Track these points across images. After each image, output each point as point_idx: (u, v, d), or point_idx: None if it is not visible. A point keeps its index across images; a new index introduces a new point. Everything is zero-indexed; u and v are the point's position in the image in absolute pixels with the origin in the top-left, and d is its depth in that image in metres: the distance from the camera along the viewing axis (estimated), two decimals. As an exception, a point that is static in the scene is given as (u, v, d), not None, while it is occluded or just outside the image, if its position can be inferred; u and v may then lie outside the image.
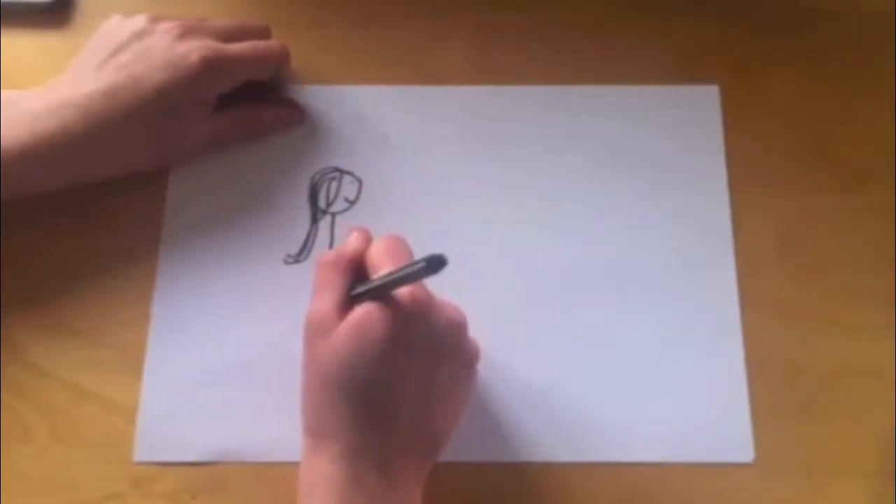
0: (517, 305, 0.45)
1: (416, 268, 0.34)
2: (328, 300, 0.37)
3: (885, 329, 0.44)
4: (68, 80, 0.45)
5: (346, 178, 0.47)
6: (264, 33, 0.48)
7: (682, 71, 0.49)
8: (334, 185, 0.47)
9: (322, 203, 0.47)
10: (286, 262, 0.46)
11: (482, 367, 0.42)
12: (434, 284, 0.44)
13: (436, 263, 0.33)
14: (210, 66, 0.44)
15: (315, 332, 0.37)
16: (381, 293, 0.37)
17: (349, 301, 0.38)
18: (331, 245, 0.46)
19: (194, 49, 0.44)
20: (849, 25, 0.51)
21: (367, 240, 0.40)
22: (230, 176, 0.47)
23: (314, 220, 0.47)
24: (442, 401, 0.38)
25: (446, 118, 0.49)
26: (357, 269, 0.39)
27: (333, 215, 0.47)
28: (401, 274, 0.35)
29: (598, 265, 0.45)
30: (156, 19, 0.46)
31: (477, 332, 0.42)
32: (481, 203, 0.47)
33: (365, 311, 0.36)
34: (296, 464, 0.41)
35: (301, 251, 0.46)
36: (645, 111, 0.48)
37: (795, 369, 0.43)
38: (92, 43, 0.46)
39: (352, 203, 0.47)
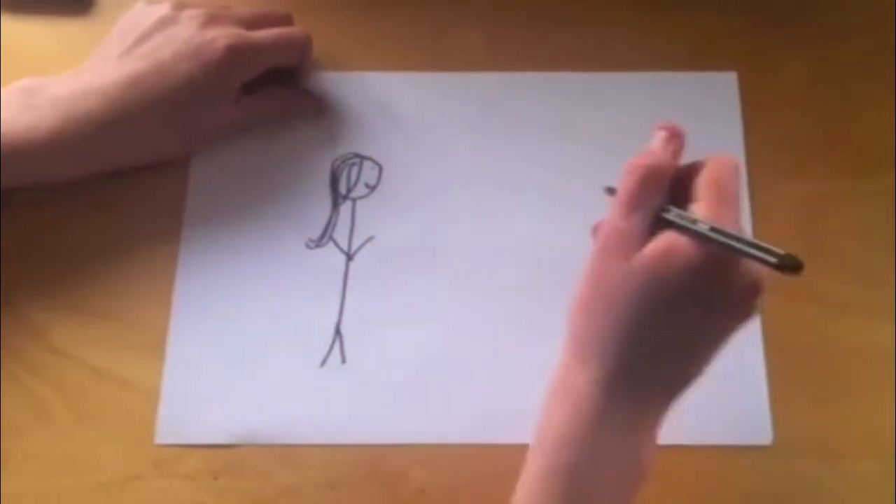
0: (531, 288, 0.45)
1: (761, 254, 0.31)
2: (639, 218, 0.34)
3: (901, 311, 0.45)
4: (94, 68, 0.45)
5: (367, 164, 0.48)
6: (287, 21, 0.49)
7: (697, 59, 0.50)
8: (355, 170, 0.48)
9: (343, 188, 0.47)
10: (307, 247, 0.46)
11: (495, 349, 0.42)
12: (453, 265, 0.45)
13: (791, 265, 0.30)
14: (235, 54, 0.44)
15: (615, 247, 0.34)
16: (696, 237, 0.33)
17: (657, 221, 0.34)
18: (351, 230, 0.47)
19: (220, 36, 0.44)
20: (861, 13, 0.51)
21: (682, 150, 0.37)
22: (252, 161, 0.48)
23: (335, 205, 0.47)
24: (708, 352, 0.36)
25: (464, 104, 0.49)
26: (672, 187, 0.35)
27: (354, 200, 0.47)
28: (738, 246, 0.32)
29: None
30: (180, 7, 0.46)
31: (490, 312, 0.41)
32: (499, 187, 0.47)
33: (668, 246, 0.33)
34: (317, 446, 0.42)
35: (322, 236, 0.46)
36: (664, 97, 0.49)
37: (813, 352, 0.44)
38: (117, 30, 0.47)
39: (372, 188, 0.47)
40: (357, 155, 0.48)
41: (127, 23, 0.47)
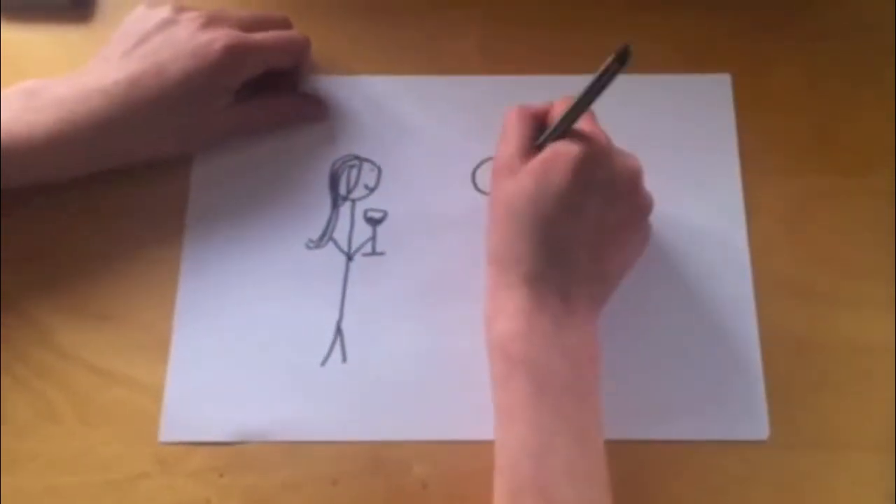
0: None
1: (605, 66, 0.36)
2: (513, 145, 0.41)
3: (893, 305, 0.45)
4: (95, 68, 0.46)
5: (366, 166, 0.48)
6: (285, 24, 0.50)
7: (691, 61, 0.50)
8: (354, 172, 0.48)
9: (343, 189, 0.48)
10: (308, 247, 0.47)
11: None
12: (455, 264, 0.46)
13: (623, 52, 0.34)
14: (233, 54, 0.45)
15: (502, 170, 0.41)
16: (568, 122, 0.40)
17: (533, 149, 0.41)
18: (351, 230, 0.47)
19: (218, 37, 0.45)
20: (854, 14, 0.52)
21: (550, 104, 0.43)
22: (252, 163, 0.48)
23: (335, 206, 0.48)
24: (614, 244, 0.41)
25: (461, 107, 0.50)
26: (540, 125, 0.42)
27: (354, 201, 0.48)
28: (587, 94, 0.38)
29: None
30: (180, 9, 0.47)
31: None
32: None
33: (550, 153, 0.39)
34: (319, 442, 0.43)
35: (322, 236, 0.47)
36: (660, 100, 0.49)
37: (808, 346, 0.44)
38: (118, 32, 0.47)
39: (371, 189, 0.48)
40: (356, 157, 0.49)
41: (128, 25, 0.47)
